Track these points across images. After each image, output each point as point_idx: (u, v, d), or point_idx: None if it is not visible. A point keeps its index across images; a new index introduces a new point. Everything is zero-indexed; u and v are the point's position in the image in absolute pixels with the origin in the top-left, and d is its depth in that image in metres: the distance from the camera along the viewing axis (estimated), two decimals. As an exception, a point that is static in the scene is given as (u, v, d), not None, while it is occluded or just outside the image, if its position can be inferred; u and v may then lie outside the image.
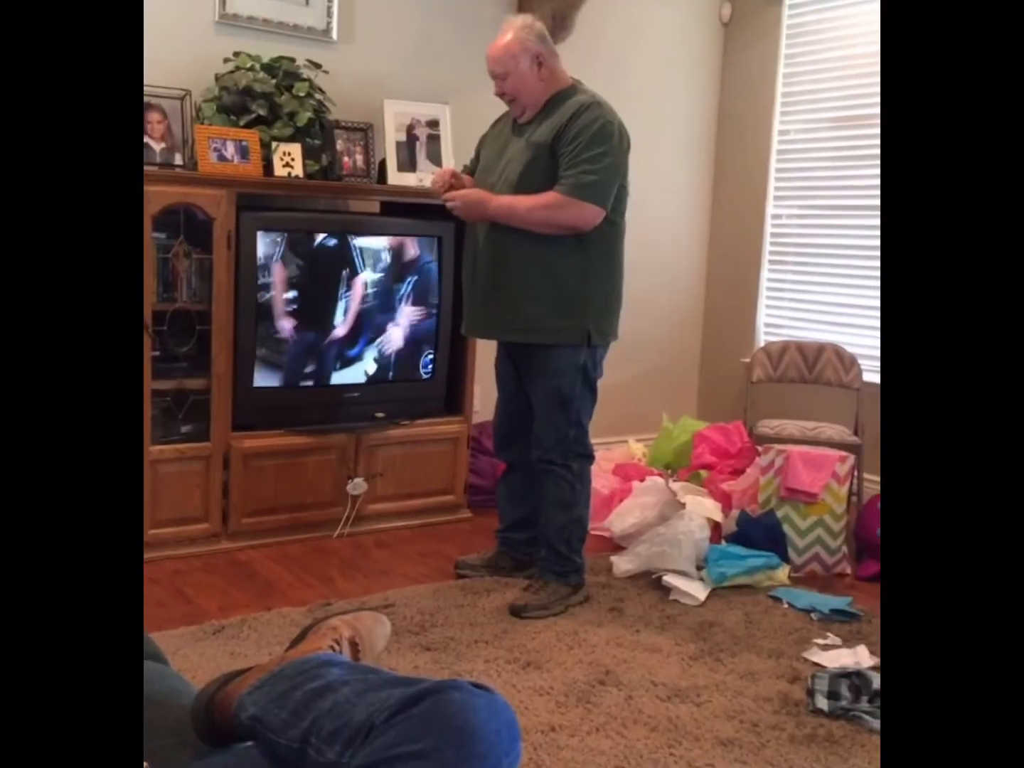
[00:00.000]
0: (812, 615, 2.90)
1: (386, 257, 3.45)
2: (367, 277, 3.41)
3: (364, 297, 3.42)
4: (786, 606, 2.97)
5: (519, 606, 2.83)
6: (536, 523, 3.03)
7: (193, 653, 2.46)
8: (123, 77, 1.00)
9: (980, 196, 1.01)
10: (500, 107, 3.10)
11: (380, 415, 3.48)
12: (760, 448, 3.54)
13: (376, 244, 3.43)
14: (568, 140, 2.72)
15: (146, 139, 3.13)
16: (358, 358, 3.44)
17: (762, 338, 4.59)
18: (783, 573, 3.16)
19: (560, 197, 2.71)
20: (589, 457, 2.96)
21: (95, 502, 0.96)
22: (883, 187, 1.09)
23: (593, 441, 3.01)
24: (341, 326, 3.39)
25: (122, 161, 1.01)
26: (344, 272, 3.37)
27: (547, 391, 2.86)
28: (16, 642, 0.90)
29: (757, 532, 3.28)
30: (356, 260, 3.39)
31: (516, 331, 2.86)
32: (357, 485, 3.42)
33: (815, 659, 2.60)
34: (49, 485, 0.93)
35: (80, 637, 0.93)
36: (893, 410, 1.04)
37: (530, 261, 2.78)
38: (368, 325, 3.44)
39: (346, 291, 3.38)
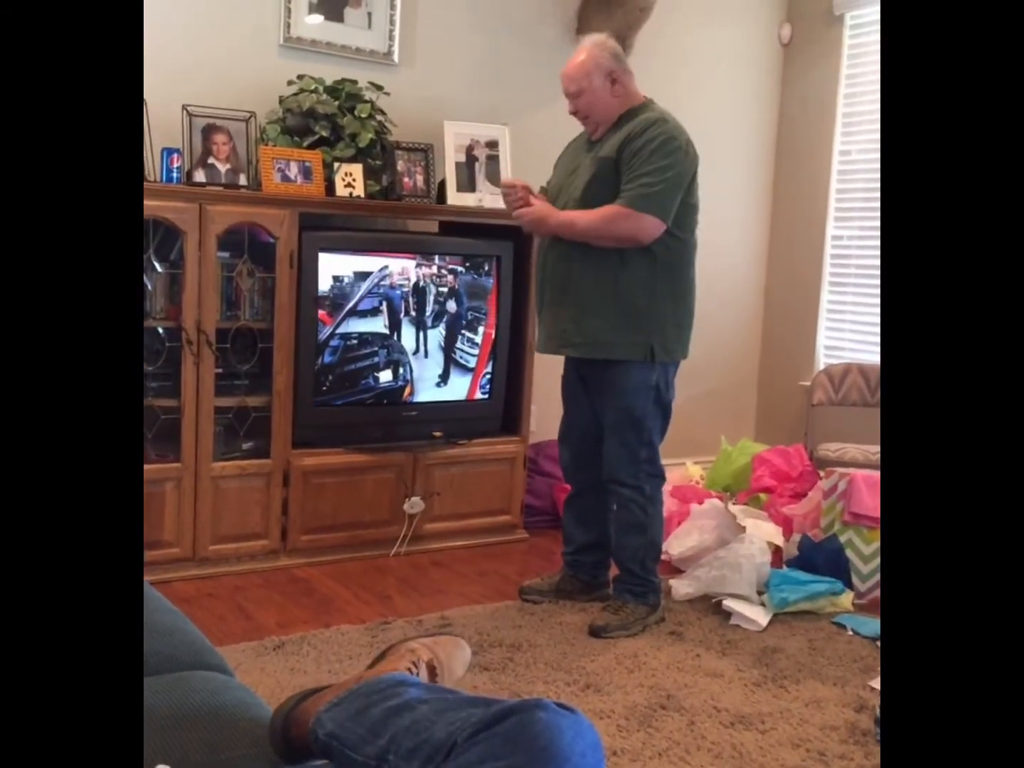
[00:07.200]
0: (877, 643, 2.83)
1: (445, 277, 3.46)
2: (425, 297, 3.43)
3: (422, 317, 3.43)
4: (851, 633, 2.91)
5: (599, 626, 2.81)
6: (605, 546, 3.00)
7: (254, 668, 2.47)
8: (123, 88, 1.00)
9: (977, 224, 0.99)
10: (559, 128, 3.11)
11: (438, 434, 3.48)
12: (822, 472, 3.48)
13: (435, 264, 3.44)
14: (631, 153, 2.71)
15: (212, 160, 3.18)
16: (416, 377, 3.45)
17: (822, 360, 4.53)
18: (847, 599, 3.10)
19: (620, 209, 2.71)
20: (661, 478, 2.93)
21: (93, 513, 0.94)
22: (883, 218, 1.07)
23: (652, 462, 2.98)
24: (398, 347, 3.40)
25: (122, 172, 1.00)
26: (403, 292, 3.39)
27: (619, 411, 2.83)
28: (14, 651, 0.89)
29: (819, 557, 3.22)
30: (415, 280, 3.40)
31: (577, 345, 2.83)
32: (414, 504, 3.42)
33: (882, 688, 2.54)
34: (44, 495, 0.92)
35: (79, 649, 0.91)
36: (892, 427, 1.01)
37: (595, 275, 2.77)
38: (426, 344, 3.46)
39: (403, 312, 3.40)
